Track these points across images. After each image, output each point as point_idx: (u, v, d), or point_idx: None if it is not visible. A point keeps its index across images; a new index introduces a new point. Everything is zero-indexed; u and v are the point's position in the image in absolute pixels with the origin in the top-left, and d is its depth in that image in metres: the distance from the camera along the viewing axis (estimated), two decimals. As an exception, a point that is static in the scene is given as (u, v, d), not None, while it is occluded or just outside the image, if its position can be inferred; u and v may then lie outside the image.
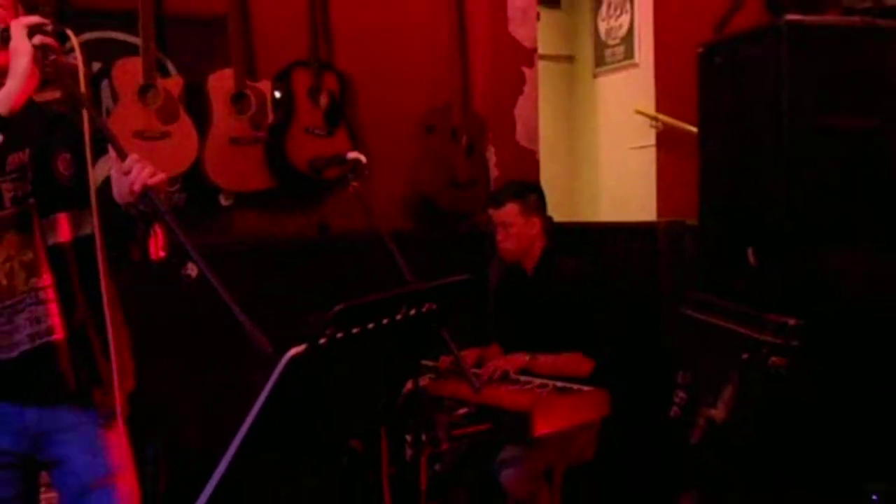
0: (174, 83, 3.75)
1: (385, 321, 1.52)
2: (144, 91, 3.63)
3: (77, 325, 2.03)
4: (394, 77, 4.23)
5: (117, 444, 2.06)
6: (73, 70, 1.85)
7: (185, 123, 3.74)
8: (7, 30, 1.86)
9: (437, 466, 2.43)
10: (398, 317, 1.55)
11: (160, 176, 1.77)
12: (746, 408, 2.04)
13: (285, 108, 3.92)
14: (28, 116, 1.89)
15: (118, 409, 1.97)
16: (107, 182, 1.96)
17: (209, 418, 3.68)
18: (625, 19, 5.59)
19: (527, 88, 4.51)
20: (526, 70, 4.51)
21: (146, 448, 2.69)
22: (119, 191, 1.86)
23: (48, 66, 1.84)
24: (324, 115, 3.97)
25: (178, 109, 3.72)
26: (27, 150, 1.97)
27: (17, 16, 1.97)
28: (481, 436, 3.06)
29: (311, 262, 3.95)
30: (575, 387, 3.09)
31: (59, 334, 2.00)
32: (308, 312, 3.37)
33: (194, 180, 3.76)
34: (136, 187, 1.75)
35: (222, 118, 3.81)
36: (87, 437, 2.05)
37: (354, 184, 2.77)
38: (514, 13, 4.48)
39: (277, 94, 3.92)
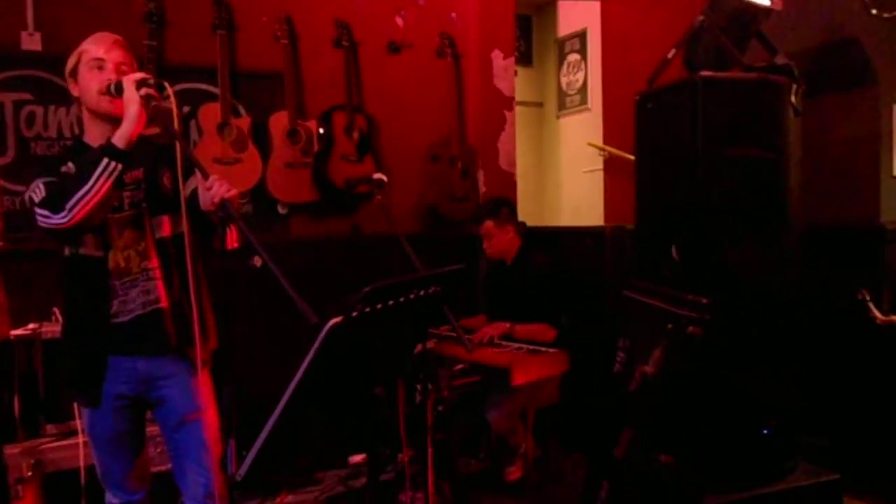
0: (244, 122, 3.76)
1: (402, 299, 1.52)
2: (222, 128, 3.64)
3: (175, 297, 2.05)
4: (408, 117, 4.23)
5: (204, 388, 2.09)
6: (169, 113, 1.88)
7: (252, 152, 3.76)
8: (120, 84, 1.89)
9: (440, 408, 2.44)
10: (412, 296, 1.56)
11: (234, 191, 1.80)
12: (670, 365, 2.03)
13: (327, 140, 3.93)
14: (140, 146, 1.92)
15: (203, 362, 2.01)
16: (194, 193, 1.97)
17: (270, 370, 3.63)
18: (580, 75, 5.59)
19: (507, 126, 4.51)
20: (507, 113, 4.51)
21: (224, 392, 2.69)
22: (203, 201, 1.89)
23: (151, 111, 1.87)
24: (356, 145, 3.96)
25: (247, 142, 3.74)
26: (141, 169, 2.02)
27: (132, 71, 2.00)
28: (473, 386, 3.07)
29: (346, 256, 3.95)
30: (543, 349, 3.10)
31: (164, 303, 2.03)
32: (344, 294, 3.42)
33: (259, 195, 3.76)
34: (216, 199, 1.78)
35: (280, 148, 3.82)
36: (183, 383, 2.06)
37: (378, 197, 2.77)
38: (498, 70, 4.48)
39: (321, 130, 3.93)
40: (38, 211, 1.85)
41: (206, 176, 1.80)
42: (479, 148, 4.41)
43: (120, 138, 1.86)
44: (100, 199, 1.83)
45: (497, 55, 4.46)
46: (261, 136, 3.78)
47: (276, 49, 3.82)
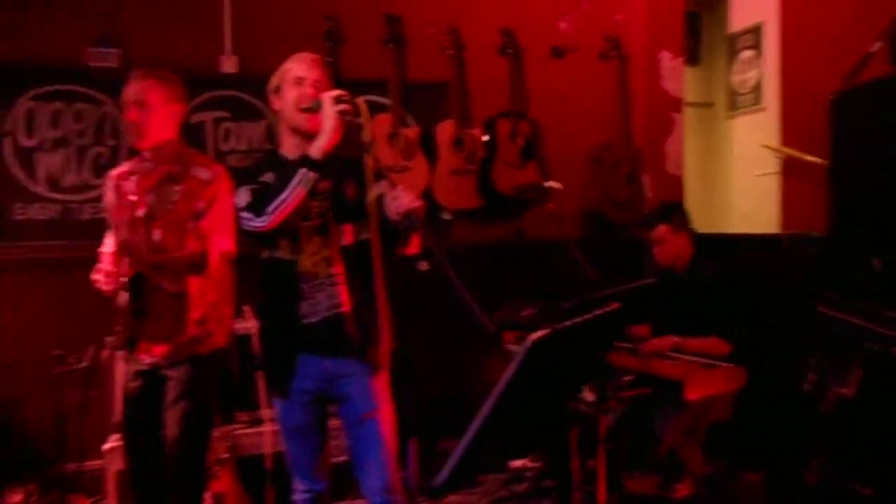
0: (413, 131, 3.90)
1: (597, 313, 1.51)
2: (392, 137, 3.79)
3: (356, 301, 2.15)
4: (571, 122, 4.20)
5: (382, 388, 2.18)
6: (360, 127, 1.98)
7: (420, 160, 3.89)
8: (319, 101, 2.04)
9: (608, 418, 2.40)
10: (599, 312, 1.55)
11: (419, 202, 1.89)
12: (871, 388, 1.86)
13: (491, 147, 3.98)
14: (329, 159, 2.05)
15: (382, 363, 2.12)
16: (377, 201, 2.06)
17: (445, 372, 3.83)
18: (754, 73, 5.25)
19: (674, 129, 4.37)
20: (674, 115, 4.37)
21: (404, 393, 2.79)
22: (389, 210, 1.97)
23: (346, 126, 2.00)
24: (519, 151, 3.98)
25: (415, 150, 3.88)
26: (330, 181, 2.14)
27: (327, 88, 2.13)
28: (641, 397, 2.98)
29: (508, 261, 3.99)
30: (717, 363, 2.95)
31: (346, 307, 2.13)
32: (507, 299, 3.43)
33: (426, 200, 3.79)
34: (402, 209, 1.87)
35: (446, 156, 3.92)
36: (363, 382, 2.16)
37: (550, 205, 2.76)
38: (666, 71, 4.35)
39: (485, 137, 3.99)
40: (243, 214, 2.02)
41: (393, 187, 1.91)
42: (644, 151, 4.30)
43: (316, 150, 1.99)
44: (296, 205, 1.97)
45: (665, 55, 4.33)
46: (428, 145, 3.91)
47: (443, 59, 3.93)
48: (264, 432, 3.12)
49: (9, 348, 3.45)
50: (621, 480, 3.05)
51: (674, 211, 3.41)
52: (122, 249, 2.27)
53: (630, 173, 4.20)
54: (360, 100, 2.03)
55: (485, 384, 3.84)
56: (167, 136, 2.42)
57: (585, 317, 1.45)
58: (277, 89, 2.17)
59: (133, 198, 2.43)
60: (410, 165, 3.86)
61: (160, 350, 2.41)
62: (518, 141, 3.99)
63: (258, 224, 1.98)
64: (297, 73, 2.13)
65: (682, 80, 4.38)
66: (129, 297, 2.36)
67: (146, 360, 2.43)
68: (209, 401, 2.46)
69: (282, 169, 2.05)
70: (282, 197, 1.95)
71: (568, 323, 1.39)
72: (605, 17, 4.25)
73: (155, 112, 2.38)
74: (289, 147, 2.16)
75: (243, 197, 2.04)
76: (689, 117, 5.03)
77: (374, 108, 3.77)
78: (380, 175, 1.98)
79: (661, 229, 3.32)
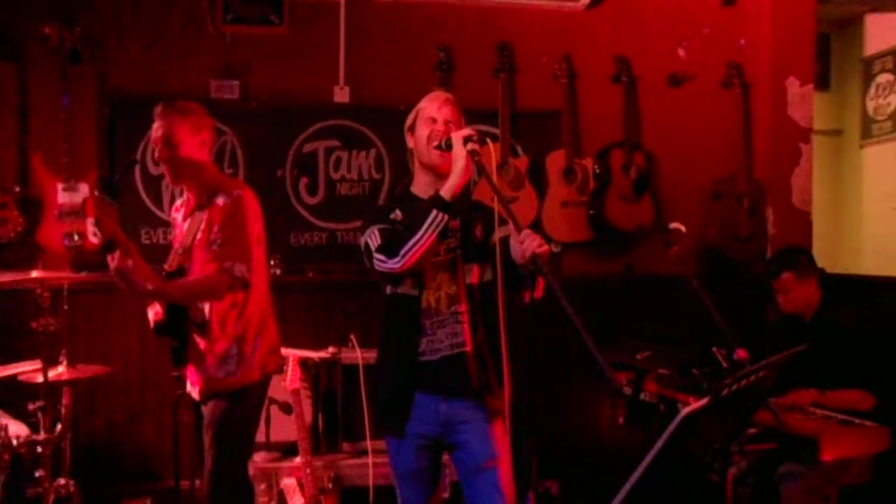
0: (521, 161, 3.92)
1: (746, 382, 1.47)
2: (501, 167, 3.82)
3: (478, 344, 2.16)
4: (688, 153, 4.11)
5: (501, 437, 2.15)
6: (486, 167, 2.01)
7: (529, 191, 3.91)
8: (450, 139, 2.07)
9: (731, 471, 2.32)
10: (752, 378, 1.51)
11: (545, 247, 1.85)
12: None
13: (603, 179, 3.95)
14: (461, 198, 2.08)
15: (505, 411, 2.08)
16: (504, 243, 2.06)
17: (567, 421, 3.87)
18: (892, 98, 5.01)
19: (802, 161, 4.18)
20: (802, 145, 4.18)
21: (522, 442, 2.77)
22: (515, 253, 1.95)
23: (476, 165, 2.02)
24: (633, 184, 3.94)
25: (524, 180, 3.90)
26: (458, 220, 2.17)
27: (459, 127, 2.17)
28: (767, 452, 2.86)
29: (618, 295, 3.95)
30: (857, 420, 2.77)
31: (469, 347, 2.13)
32: (616, 333, 3.38)
33: (533, 230, 3.87)
34: (528, 253, 1.84)
35: (556, 187, 3.92)
36: (480, 429, 2.14)
37: (675, 248, 2.70)
38: (793, 98, 4.18)
39: (597, 169, 3.97)
40: (377, 256, 2.05)
41: (519, 230, 1.88)
42: (768, 184, 4.16)
43: (447, 190, 2.00)
44: (427, 246, 1.98)
45: (792, 82, 4.17)
46: (537, 175, 3.92)
47: (555, 88, 3.95)
48: (368, 464, 3.20)
49: (132, 369, 3.67)
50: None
51: (798, 256, 3.25)
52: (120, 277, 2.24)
53: (752, 207, 4.07)
54: (491, 144, 2.07)
55: (597, 429, 3.93)
56: (198, 168, 2.45)
57: (739, 386, 1.41)
58: (411, 127, 2.22)
59: (178, 231, 2.55)
60: (519, 196, 3.88)
61: (195, 383, 2.47)
62: (632, 173, 3.95)
63: (391, 266, 2.01)
64: (429, 112, 2.17)
65: (811, 107, 4.20)
66: (167, 324, 2.44)
67: (190, 392, 2.52)
68: (236, 439, 2.45)
69: (413, 207, 2.11)
70: (414, 239, 1.98)
71: (724, 392, 1.35)
72: (728, 42, 4.15)
73: (182, 147, 2.41)
74: (420, 185, 2.21)
75: (374, 238, 2.07)
76: (816, 146, 4.84)
77: (485, 136, 3.89)
78: (507, 217, 1.97)
79: (786, 278, 3.17)
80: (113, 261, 2.15)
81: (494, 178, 2.01)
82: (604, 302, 3.84)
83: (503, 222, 2.05)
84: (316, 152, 3.88)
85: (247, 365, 2.45)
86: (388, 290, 2.19)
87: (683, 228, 2.69)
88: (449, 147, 2.05)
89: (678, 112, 4.12)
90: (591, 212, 3.94)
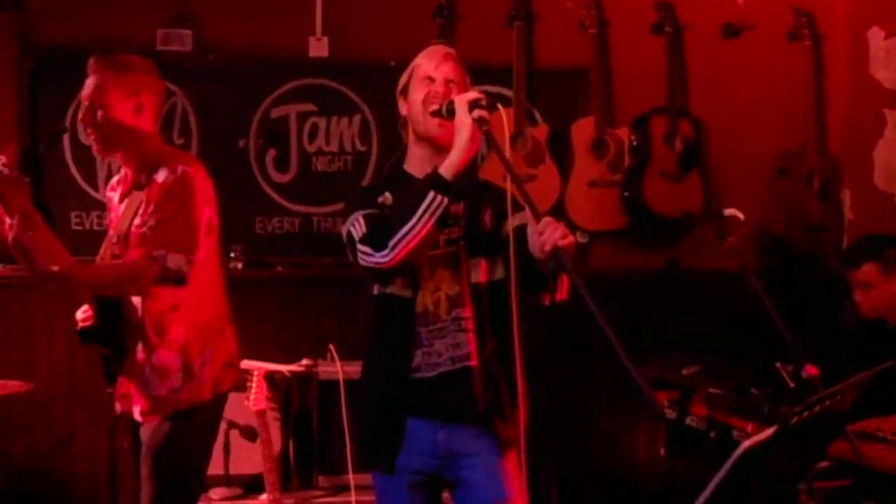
0: (540, 130, 3.88)
1: (820, 409, 1.41)
2: (515, 138, 3.76)
3: (486, 357, 2.12)
4: (746, 121, 4.07)
5: (514, 473, 2.11)
6: (497, 139, 1.94)
7: (550, 167, 3.86)
8: (452, 104, 1.99)
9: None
10: (827, 403, 1.45)
11: (569, 239, 1.79)
12: None
13: (642, 153, 3.90)
14: (463, 177, 2.01)
15: (521, 440, 2.01)
16: (519, 234, 2.02)
17: (595, 449, 3.89)
18: None
19: (887, 130, 4.14)
20: (886, 112, 4.14)
21: (540, 469, 2.74)
22: (532, 246, 1.90)
23: (484, 136, 1.96)
24: (678, 159, 3.90)
25: (543, 154, 3.85)
26: (461, 204, 2.12)
27: (463, 89, 2.11)
28: (841, 491, 2.79)
29: (659, 296, 3.92)
30: (956, 454, 2.70)
31: (474, 361, 2.09)
32: (657, 343, 3.34)
33: (555, 218, 3.82)
34: (548, 247, 1.78)
35: (583, 162, 3.88)
36: (489, 464, 2.10)
37: (731, 239, 2.62)
38: (877, 54, 4.14)
39: (634, 140, 3.92)
40: (361, 248, 1.99)
41: (538, 218, 1.82)
42: (845, 160, 4.14)
43: (448, 168, 1.95)
44: (423, 236, 1.94)
45: (876, 34, 4.12)
46: (560, 148, 3.88)
47: (582, 40, 3.89)
48: (350, 503, 3.15)
49: (60, 384, 3.62)
50: None
51: (885, 246, 3.19)
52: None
53: (824, 188, 4.03)
54: (503, 110, 2.01)
55: (632, 460, 3.89)
56: (133, 137, 2.42)
57: (811, 413, 1.34)
58: (405, 90, 2.18)
59: (113, 215, 2.52)
60: (537, 173, 3.83)
61: (135, 401, 2.44)
62: (676, 145, 3.90)
63: (378, 260, 1.97)
64: (426, 70, 2.12)
65: (899, 65, 4.15)
66: (97, 328, 2.44)
67: (127, 412, 2.48)
68: (181, 472, 2.44)
69: (405, 189, 2.06)
70: (406, 227, 1.94)
71: (793, 421, 1.29)
72: (796, -16, 4.13)
73: (111, 110, 2.38)
74: (415, 161, 2.18)
75: (358, 226, 2.04)
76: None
77: (495, 100, 3.81)
78: (524, 201, 1.92)
79: (868, 270, 3.10)
80: (11, 230, 2.11)
81: (507, 151, 1.95)
82: (641, 304, 3.82)
83: (518, 207, 2.02)
84: (287, 118, 3.83)
85: (195, 381, 2.42)
86: (376, 290, 2.15)
87: (741, 215, 2.62)
88: (451, 114, 1.99)
89: (734, 70, 4.07)
90: (626, 193, 3.90)
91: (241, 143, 3.80)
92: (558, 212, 3.82)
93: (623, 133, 3.91)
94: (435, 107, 2.06)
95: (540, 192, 3.76)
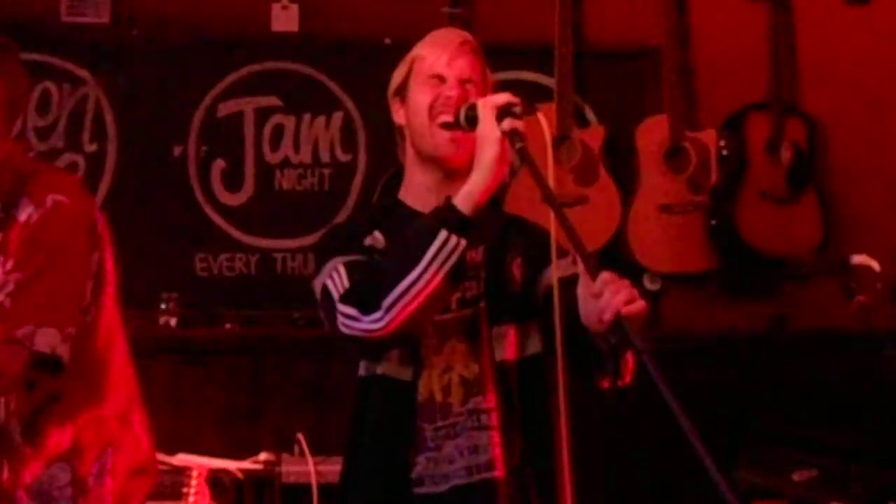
0: (594, 134, 3.90)
1: None
2: (558, 146, 3.76)
3: (515, 463, 2.10)
4: (881, 120, 4.12)
5: None
6: (538, 158, 1.94)
7: (606, 185, 3.88)
8: (475, 109, 2.00)
9: None
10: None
11: (638, 304, 1.76)
12: None
13: (735, 164, 3.93)
14: (489, 212, 2.03)
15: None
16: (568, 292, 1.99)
17: None
18: None
19: None
20: None
21: None
22: (586, 313, 1.88)
23: (519, 155, 1.94)
24: (786, 174, 3.93)
25: (597, 167, 3.87)
26: (481, 249, 2.12)
27: (483, 89, 2.13)
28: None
29: (758, 365, 3.94)
30: None
31: (499, 471, 2.07)
32: (757, 431, 3.33)
33: (612, 256, 3.83)
34: (608, 316, 1.76)
35: (652, 178, 3.90)
36: None
37: (860, 298, 2.66)
38: None
39: (724, 148, 3.95)
40: (342, 310, 1.98)
41: (592, 272, 1.81)
42: None
43: (467, 199, 1.94)
44: (430, 294, 1.92)
45: None
46: (620, 159, 3.91)
47: (650, 10, 3.95)
48: None
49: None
50: None
51: None
52: None
53: None
54: (542, 115, 2.02)
55: None
56: None
57: None
58: (401, 90, 2.20)
59: None
60: (588, 194, 3.85)
61: None
62: (783, 154, 3.94)
63: (367, 326, 1.97)
64: (433, 66, 2.13)
65: None
66: None
67: None
68: None
69: (404, 227, 2.08)
70: (407, 282, 1.93)
71: None
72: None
73: None
74: (417, 189, 2.19)
75: (337, 278, 2.05)
76: None
77: (531, 93, 3.65)
78: (573, 246, 1.88)
79: None
80: None
81: (551, 176, 1.96)
82: (734, 380, 3.85)
83: (563, 253, 2.03)
84: (240, 116, 3.90)
85: (90, 498, 2.39)
86: (363, 369, 2.15)
87: (875, 265, 2.66)
88: (471, 122, 2.00)
89: (864, 49, 4.11)
90: (714, 222, 3.94)
91: (177, 150, 3.84)
92: (616, 247, 3.85)
93: (708, 138, 3.95)
94: (447, 118, 2.07)
95: (592, 221, 3.83)
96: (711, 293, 4.03)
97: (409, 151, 2.20)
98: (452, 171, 2.10)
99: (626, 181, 3.94)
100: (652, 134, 3.92)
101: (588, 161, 3.87)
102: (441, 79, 2.12)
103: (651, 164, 3.92)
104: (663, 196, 3.93)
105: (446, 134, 2.08)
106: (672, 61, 3.93)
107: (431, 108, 2.10)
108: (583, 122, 3.95)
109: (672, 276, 3.93)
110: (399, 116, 2.21)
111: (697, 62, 4.03)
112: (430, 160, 2.15)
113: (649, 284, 3.78)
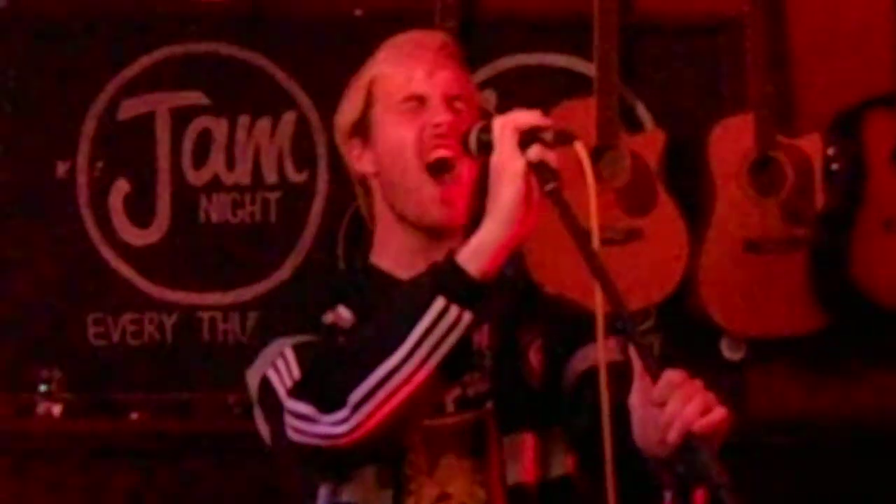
0: (649, 142, 3.87)
1: None
2: (599, 154, 3.70)
3: None
4: None
5: None
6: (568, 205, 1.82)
7: (667, 213, 3.84)
8: (489, 130, 1.89)
9: None
10: None
11: (717, 413, 1.62)
12: None
13: (850, 183, 3.85)
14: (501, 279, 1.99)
15: None
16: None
17: None
18: None
19: None
20: None
21: None
22: (643, 429, 1.78)
23: (552, 199, 1.83)
24: (923, 195, 3.89)
25: (654, 188, 3.82)
26: (485, 327, 2.04)
27: (475, 107, 2.16)
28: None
29: (888, 467, 3.82)
30: None
31: None
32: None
33: (677, 311, 3.87)
34: (673, 435, 1.64)
35: (732, 203, 3.84)
36: None
37: None
38: None
39: (833, 161, 3.80)
40: (291, 407, 1.93)
41: (653, 374, 1.68)
42: None
43: (477, 255, 1.85)
44: (418, 385, 1.87)
45: None
46: (688, 175, 3.80)
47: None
48: None
49: None
50: None
51: None
52: None
53: None
54: (581, 147, 1.86)
55: None
56: None
57: None
58: (358, 129, 2.17)
59: None
60: (642, 226, 3.74)
61: None
62: (920, 168, 3.88)
63: (329, 430, 1.91)
64: (406, 85, 2.12)
65: None
66: None
67: None
68: None
69: (381, 298, 2.07)
70: (386, 368, 1.88)
71: None
72: None
73: None
74: (395, 251, 2.18)
75: (284, 367, 2.01)
76: None
77: (559, 83, 3.82)
78: (622, 324, 1.79)
79: None
80: None
81: (594, 229, 1.79)
82: (848, 490, 3.82)
83: (612, 331, 1.92)
84: (150, 120, 3.86)
85: None
86: (323, 495, 2.07)
87: None
88: (484, 150, 1.91)
89: None
90: (821, 263, 3.84)
91: (62, 168, 3.83)
92: (682, 299, 3.85)
93: (811, 145, 3.88)
94: (444, 152, 2.00)
95: (647, 266, 3.81)
96: (817, 364, 3.93)
97: (380, 206, 2.16)
98: (443, 232, 2.09)
99: (696, 208, 3.83)
100: (731, 141, 3.84)
101: (641, 180, 3.79)
102: (421, 100, 2.07)
103: (730, 184, 3.81)
104: (748, 228, 3.83)
105: (436, 189, 2.04)
106: (758, 39, 3.80)
107: (417, 147, 2.04)
108: (633, 125, 3.87)
109: (761, 340, 3.95)
110: (362, 164, 2.16)
111: (794, 41, 3.92)
112: (410, 217, 2.11)
113: (729, 353, 3.85)
